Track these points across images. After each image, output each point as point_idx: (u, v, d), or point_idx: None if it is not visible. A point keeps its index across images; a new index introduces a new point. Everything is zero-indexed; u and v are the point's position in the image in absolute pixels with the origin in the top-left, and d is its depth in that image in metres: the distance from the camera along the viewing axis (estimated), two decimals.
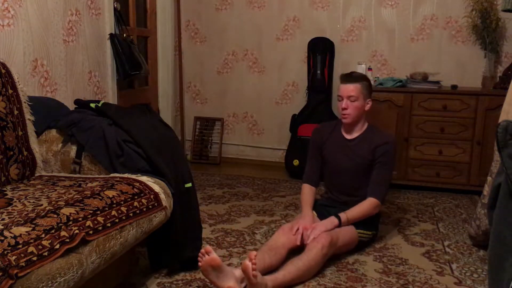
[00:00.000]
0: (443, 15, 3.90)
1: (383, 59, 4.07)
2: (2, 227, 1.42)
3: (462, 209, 3.29)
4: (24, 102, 2.16)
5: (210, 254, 1.91)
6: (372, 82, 3.76)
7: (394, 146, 2.58)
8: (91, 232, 1.58)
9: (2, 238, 1.34)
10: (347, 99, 2.51)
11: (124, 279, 2.15)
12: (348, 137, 2.61)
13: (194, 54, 4.51)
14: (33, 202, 1.69)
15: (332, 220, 2.41)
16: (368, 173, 2.54)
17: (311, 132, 2.79)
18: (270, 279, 2.03)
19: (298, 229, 2.38)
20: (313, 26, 4.16)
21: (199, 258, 1.95)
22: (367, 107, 2.57)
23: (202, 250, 1.93)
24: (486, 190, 2.47)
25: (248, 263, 1.89)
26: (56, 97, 2.73)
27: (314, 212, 2.58)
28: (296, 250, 2.33)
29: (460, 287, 2.19)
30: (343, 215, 2.43)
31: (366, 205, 2.49)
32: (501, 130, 1.36)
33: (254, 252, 1.92)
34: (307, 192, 2.64)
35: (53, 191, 1.82)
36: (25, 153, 2.10)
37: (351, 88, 2.50)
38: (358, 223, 2.49)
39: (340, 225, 2.40)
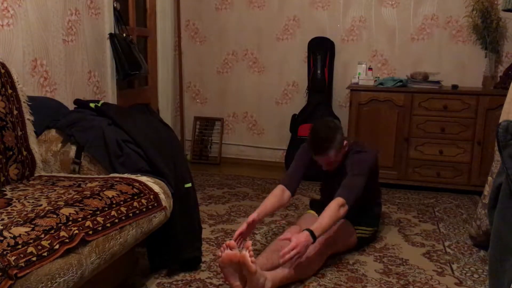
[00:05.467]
0: (443, 15, 3.90)
1: (384, 59, 4.07)
2: (2, 227, 1.42)
3: (462, 209, 3.29)
4: (24, 102, 2.16)
5: (233, 250, 1.94)
6: (372, 82, 3.78)
7: (360, 155, 2.42)
8: (90, 232, 1.58)
9: (2, 238, 1.34)
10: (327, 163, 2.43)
11: (124, 279, 2.15)
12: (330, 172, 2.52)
13: (194, 54, 4.50)
14: (33, 202, 1.69)
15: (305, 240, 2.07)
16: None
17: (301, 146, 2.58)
18: (269, 273, 2.04)
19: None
20: (313, 26, 4.16)
21: (221, 249, 1.98)
22: (346, 148, 2.44)
23: (224, 245, 1.97)
24: (487, 190, 2.47)
25: (245, 252, 1.91)
26: (56, 97, 2.73)
27: (315, 212, 2.57)
28: None
29: None
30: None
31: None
32: (502, 130, 1.35)
33: (250, 242, 1.97)
34: (274, 197, 2.40)
35: (52, 191, 1.82)
36: (25, 153, 2.10)
37: (326, 158, 2.39)
38: (358, 220, 2.49)
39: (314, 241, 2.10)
